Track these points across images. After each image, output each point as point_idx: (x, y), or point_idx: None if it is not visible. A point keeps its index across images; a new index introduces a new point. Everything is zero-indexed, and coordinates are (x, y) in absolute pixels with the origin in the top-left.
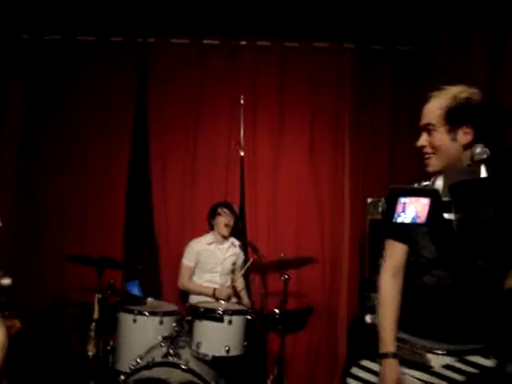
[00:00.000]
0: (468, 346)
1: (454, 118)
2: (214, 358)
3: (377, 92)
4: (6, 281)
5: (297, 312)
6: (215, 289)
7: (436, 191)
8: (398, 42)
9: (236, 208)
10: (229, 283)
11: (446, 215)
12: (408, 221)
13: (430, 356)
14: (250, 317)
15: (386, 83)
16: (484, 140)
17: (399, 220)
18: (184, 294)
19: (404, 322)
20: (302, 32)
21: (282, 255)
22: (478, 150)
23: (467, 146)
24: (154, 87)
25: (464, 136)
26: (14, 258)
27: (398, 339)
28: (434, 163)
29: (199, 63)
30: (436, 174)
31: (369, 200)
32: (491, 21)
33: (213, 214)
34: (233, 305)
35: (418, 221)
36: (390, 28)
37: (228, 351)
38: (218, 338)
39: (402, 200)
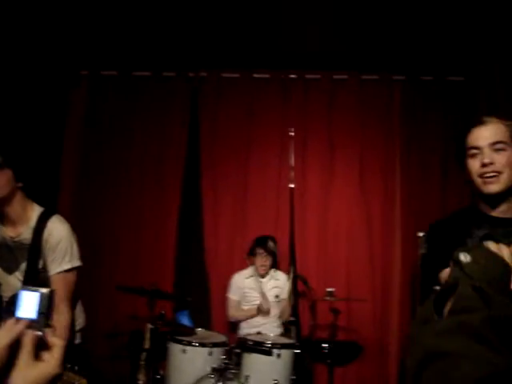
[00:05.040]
0: None
1: None
2: None
3: (428, 124)
4: (77, 340)
5: (346, 345)
6: (258, 306)
7: None
8: (448, 73)
9: (274, 242)
10: (275, 313)
11: None
12: None
13: None
14: (298, 350)
15: (437, 115)
16: None
17: None
18: (233, 325)
19: None
20: (351, 64)
21: (331, 289)
22: None
23: None
24: (205, 120)
25: None
26: None
27: None
28: (501, 181)
29: (249, 96)
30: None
31: (420, 234)
32: None
33: (252, 251)
34: (281, 338)
35: None
36: (441, 58)
37: None
38: (267, 372)
39: None
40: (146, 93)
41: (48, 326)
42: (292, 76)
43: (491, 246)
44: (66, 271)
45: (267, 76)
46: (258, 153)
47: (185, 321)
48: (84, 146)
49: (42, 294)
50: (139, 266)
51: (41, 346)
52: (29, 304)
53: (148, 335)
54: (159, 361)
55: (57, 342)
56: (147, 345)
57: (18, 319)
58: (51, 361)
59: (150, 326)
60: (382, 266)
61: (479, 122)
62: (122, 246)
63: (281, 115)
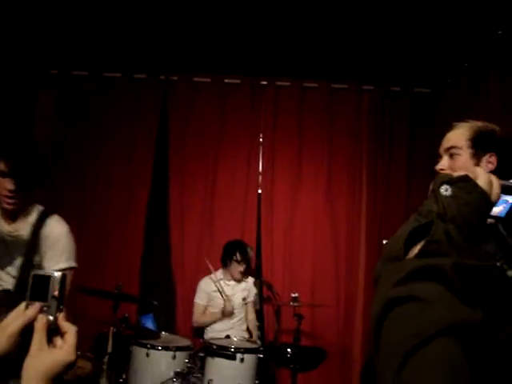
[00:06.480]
0: None
1: (480, 143)
2: None
3: (394, 133)
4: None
5: (309, 351)
6: (222, 309)
7: None
8: (415, 84)
9: (250, 249)
10: (241, 316)
11: None
12: None
13: None
14: (262, 355)
15: (404, 125)
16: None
17: None
18: (198, 330)
19: None
20: (321, 73)
21: (296, 294)
22: None
23: None
24: (175, 123)
25: (487, 165)
26: None
27: None
28: None
29: (220, 101)
30: None
31: (384, 242)
32: (508, 67)
33: (230, 256)
34: (245, 343)
35: None
36: (408, 70)
37: None
38: (230, 376)
39: None
40: (116, 94)
41: (60, 310)
42: (263, 82)
43: (481, 179)
44: (62, 270)
45: (238, 81)
46: (227, 158)
47: (149, 324)
48: (52, 147)
49: (54, 278)
50: (105, 269)
51: (54, 331)
52: (40, 288)
53: (111, 339)
54: (122, 364)
55: (70, 327)
56: (110, 349)
57: (29, 303)
58: (65, 347)
59: (113, 329)
60: (346, 272)
61: (450, 128)
62: (87, 248)
63: (250, 121)
